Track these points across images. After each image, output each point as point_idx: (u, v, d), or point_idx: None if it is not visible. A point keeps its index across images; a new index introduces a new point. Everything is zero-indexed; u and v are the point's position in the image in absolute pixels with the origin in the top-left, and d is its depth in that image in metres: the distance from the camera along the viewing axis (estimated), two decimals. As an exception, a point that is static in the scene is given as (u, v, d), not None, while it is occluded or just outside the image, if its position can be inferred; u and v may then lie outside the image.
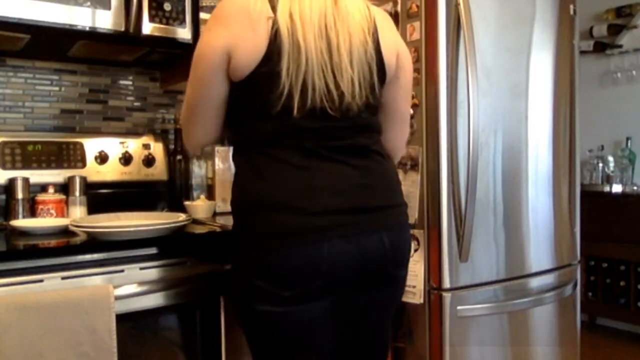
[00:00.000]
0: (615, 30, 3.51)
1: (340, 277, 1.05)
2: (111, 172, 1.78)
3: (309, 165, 1.05)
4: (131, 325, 1.25)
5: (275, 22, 1.01)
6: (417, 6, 1.65)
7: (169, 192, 1.89)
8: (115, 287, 1.16)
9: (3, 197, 1.60)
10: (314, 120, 1.05)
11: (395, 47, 1.17)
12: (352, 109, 1.07)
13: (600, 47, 3.57)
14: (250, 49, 1.02)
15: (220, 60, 1.05)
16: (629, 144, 3.45)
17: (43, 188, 1.63)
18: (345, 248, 1.04)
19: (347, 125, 1.08)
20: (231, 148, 1.54)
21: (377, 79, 1.11)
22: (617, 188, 3.28)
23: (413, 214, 1.62)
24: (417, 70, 1.60)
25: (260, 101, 1.05)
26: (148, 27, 1.58)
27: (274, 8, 1.03)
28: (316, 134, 1.06)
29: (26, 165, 1.64)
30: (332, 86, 1.03)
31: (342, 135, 1.08)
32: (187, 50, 1.71)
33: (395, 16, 1.77)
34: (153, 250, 1.29)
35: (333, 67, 1.03)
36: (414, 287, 1.62)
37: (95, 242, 1.28)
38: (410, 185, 1.64)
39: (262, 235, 1.05)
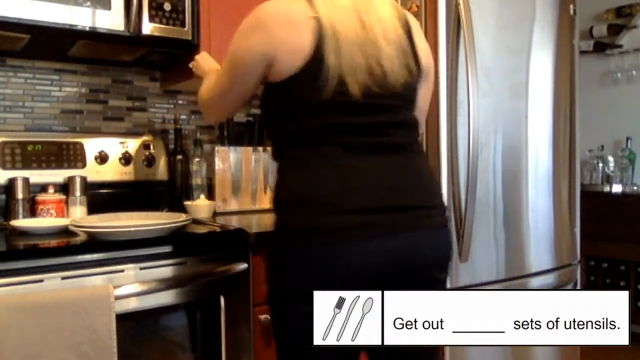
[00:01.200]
0: (615, 30, 3.51)
1: (379, 278, 1.04)
2: (111, 172, 1.78)
3: (350, 163, 1.05)
4: (131, 325, 1.25)
5: (318, 21, 1.03)
6: (417, 6, 1.65)
7: (169, 192, 1.89)
8: (115, 287, 1.16)
9: (3, 197, 1.60)
10: (356, 115, 1.06)
11: (427, 47, 1.22)
12: (395, 87, 1.08)
13: (600, 47, 3.57)
14: (294, 51, 1.03)
15: (260, 66, 1.08)
16: (629, 144, 3.45)
17: (43, 188, 1.63)
18: (385, 248, 1.03)
19: (388, 121, 1.09)
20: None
21: (413, 64, 1.12)
22: (617, 188, 3.28)
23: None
24: (417, 70, 1.60)
25: (305, 98, 1.05)
26: (148, 27, 1.58)
27: (312, 6, 1.04)
28: (357, 130, 1.06)
29: (26, 165, 1.64)
30: (377, 71, 1.05)
31: (382, 131, 1.08)
32: (187, 50, 1.71)
33: (395, 16, 1.78)
34: (153, 250, 1.29)
35: (375, 53, 1.06)
36: (414, 287, 1.62)
37: (95, 242, 1.28)
38: (410, 185, 1.64)
39: (303, 233, 1.04)
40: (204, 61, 1.46)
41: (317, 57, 1.02)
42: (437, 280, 1.14)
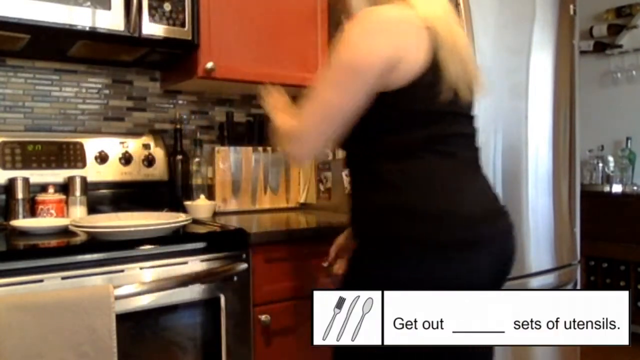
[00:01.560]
0: (615, 30, 3.51)
1: (490, 284, 1.05)
2: (111, 172, 1.78)
3: (457, 172, 1.07)
4: (131, 325, 1.25)
5: (431, 30, 1.04)
6: (417, 6, 1.65)
7: (169, 192, 1.89)
8: (115, 287, 1.16)
9: (3, 197, 1.60)
10: (460, 125, 1.09)
11: None
12: (474, 102, 1.13)
13: (600, 47, 3.57)
14: (415, 58, 1.02)
15: (382, 71, 1.02)
16: (629, 144, 3.45)
17: (43, 188, 1.63)
18: (492, 253, 1.05)
19: (471, 132, 1.13)
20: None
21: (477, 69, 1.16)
22: (617, 188, 3.28)
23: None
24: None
25: (421, 107, 1.05)
26: (148, 27, 1.58)
27: (420, 15, 1.05)
28: (462, 139, 1.10)
29: (26, 165, 1.64)
30: (468, 79, 1.08)
31: (469, 143, 1.13)
32: (187, 50, 1.71)
33: (395, 16, 1.78)
34: (153, 250, 1.29)
35: (465, 60, 1.08)
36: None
37: (95, 242, 1.28)
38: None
39: (425, 244, 1.00)
40: (270, 96, 1.31)
41: (434, 66, 1.03)
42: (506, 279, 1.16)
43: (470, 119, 1.14)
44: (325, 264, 1.40)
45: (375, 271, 1.05)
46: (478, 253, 1.02)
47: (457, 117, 1.09)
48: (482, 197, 1.10)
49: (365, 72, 1.02)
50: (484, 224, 1.05)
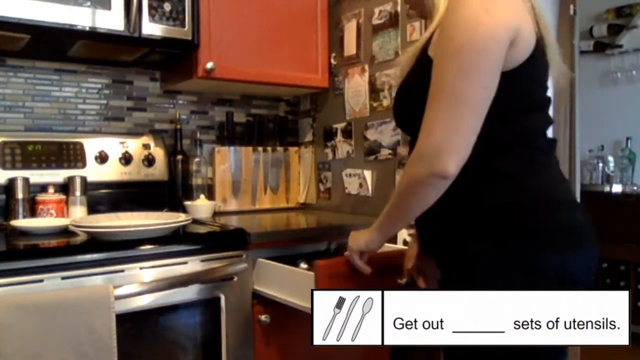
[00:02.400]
0: (615, 30, 3.51)
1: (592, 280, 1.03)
2: (111, 172, 1.78)
3: (556, 161, 1.07)
4: (131, 325, 1.25)
5: (534, 11, 0.99)
6: (418, 6, 1.64)
7: (169, 192, 1.89)
8: (115, 287, 1.16)
9: (3, 197, 1.60)
10: (547, 111, 1.05)
11: None
12: None
13: (600, 47, 3.57)
14: (529, 34, 0.95)
15: (507, 44, 0.90)
16: (629, 144, 3.45)
17: (43, 188, 1.63)
18: (596, 246, 1.02)
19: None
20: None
21: None
22: (617, 188, 3.28)
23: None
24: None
25: (530, 92, 0.99)
26: (148, 27, 1.58)
27: None
28: (547, 127, 1.06)
29: (26, 165, 1.64)
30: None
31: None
32: (187, 50, 1.71)
33: (395, 16, 1.78)
34: (153, 250, 1.29)
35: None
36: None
37: (95, 242, 1.28)
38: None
39: (556, 236, 0.96)
40: (355, 237, 1.19)
41: (541, 51, 0.98)
42: None
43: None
44: (402, 281, 1.24)
45: (522, 273, 0.95)
46: (590, 243, 1.00)
47: (548, 106, 1.04)
48: (571, 190, 1.09)
49: (494, 49, 0.89)
50: (586, 217, 1.02)
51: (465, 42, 0.89)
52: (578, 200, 1.13)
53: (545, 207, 0.97)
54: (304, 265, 1.41)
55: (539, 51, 0.97)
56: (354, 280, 1.18)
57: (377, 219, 1.12)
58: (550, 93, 1.97)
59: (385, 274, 1.23)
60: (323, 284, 1.19)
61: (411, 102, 1.02)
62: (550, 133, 1.07)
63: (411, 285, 1.22)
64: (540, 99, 1.01)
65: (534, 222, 0.96)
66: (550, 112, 1.06)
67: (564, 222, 0.98)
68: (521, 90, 0.96)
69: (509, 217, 0.96)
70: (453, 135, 0.91)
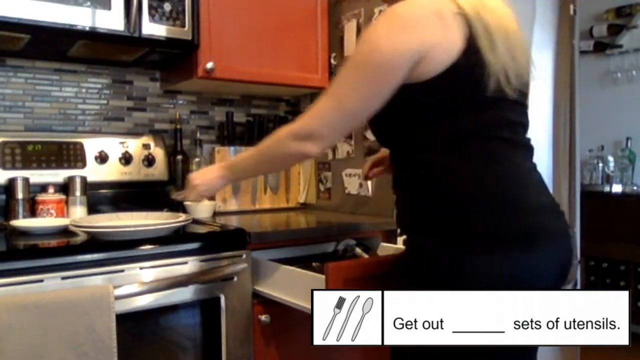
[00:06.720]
0: (615, 30, 3.52)
1: (551, 282, 1.02)
2: (111, 172, 1.79)
3: (515, 160, 1.03)
4: (131, 325, 1.25)
5: (465, 17, 1.00)
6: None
7: (169, 192, 1.89)
8: (115, 287, 1.16)
9: (3, 197, 1.60)
10: (509, 113, 1.04)
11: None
12: (527, 91, 1.08)
13: (600, 47, 3.57)
14: (446, 48, 0.99)
15: (407, 67, 0.99)
16: (629, 144, 3.45)
17: (43, 188, 1.63)
18: (557, 250, 1.01)
19: (523, 121, 1.09)
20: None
21: (530, 60, 1.12)
22: (617, 188, 3.28)
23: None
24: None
25: (462, 95, 1.01)
26: (148, 27, 1.58)
27: (454, 2, 1.02)
28: (511, 128, 1.05)
29: (26, 165, 1.64)
30: (517, 65, 1.04)
31: (520, 132, 1.08)
32: (187, 50, 1.71)
33: (395, 16, 1.77)
34: (153, 250, 1.29)
35: (513, 45, 1.04)
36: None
37: (95, 242, 1.28)
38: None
39: (486, 236, 0.97)
40: (201, 173, 1.36)
41: (471, 53, 0.99)
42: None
43: (523, 108, 1.10)
44: (362, 180, 1.41)
45: (445, 268, 0.99)
46: (541, 249, 0.98)
47: (511, 105, 1.04)
48: (541, 190, 1.06)
49: (386, 72, 1.00)
50: (544, 218, 1.01)
51: (361, 61, 1.03)
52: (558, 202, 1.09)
53: (476, 206, 0.99)
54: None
55: (467, 57, 0.99)
56: (363, 282, 1.19)
57: (229, 161, 1.33)
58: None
59: (390, 277, 1.23)
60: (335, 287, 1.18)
61: (383, 121, 1.11)
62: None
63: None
64: (478, 100, 1.01)
65: (460, 221, 0.99)
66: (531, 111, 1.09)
67: (498, 223, 0.97)
68: (450, 95, 1.01)
69: (445, 214, 1.01)
70: (325, 128, 1.08)
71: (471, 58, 0.99)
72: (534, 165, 1.10)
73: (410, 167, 1.08)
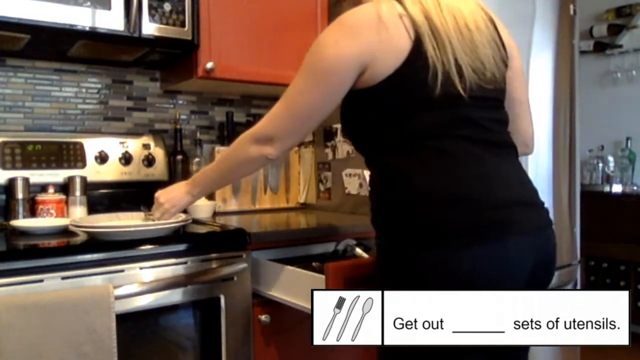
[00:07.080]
0: (615, 30, 3.52)
1: (523, 277, 1.00)
2: (111, 172, 1.79)
3: (477, 156, 1.02)
4: (131, 325, 1.25)
5: (410, 18, 1.01)
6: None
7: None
8: (115, 287, 1.16)
9: (3, 197, 1.60)
10: (464, 111, 1.03)
11: (508, 33, 1.18)
12: (494, 82, 1.06)
13: (600, 47, 3.57)
14: (390, 52, 1.01)
15: (354, 73, 1.03)
16: (629, 144, 3.45)
17: (43, 188, 1.63)
18: (527, 244, 1.00)
19: (491, 117, 1.07)
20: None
21: (504, 54, 1.11)
22: (617, 188, 3.28)
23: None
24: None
25: (412, 96, 1.02)
26: (148, 27, 1.58)
27: (401, 4, 1.03)
28: (470, 125, 1.03)
29: (26, 165, 1.64)
30: (477, 63, 1.03)
31: (489, 127, 1.06)
32: (187, 50, 1.71)
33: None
34: (153, 250, 1.29)
35: (472, 44, 1.04)
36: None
37: (95, 242, 1.28)
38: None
39: (441, 233, 0.97)
40: (167, 191, 1.39)
41: (417, 55, 1.00)
42: (551, 279, 1.12)
43: (496, 102, 1.09)
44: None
45: (405, 268, 1.01)
46: (504, 245, 0.97)
47: (474, 102, 1.03)
48: (512, 186, 1.04)
49: (331, 77, 1.05)
50: (509, 212, 0.99)
51: (310, 66, 1.09)
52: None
53: (429, 205, 0.99)
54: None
55: (413, 59, 1.00)
56: (363, 282, 1.19)
57: (194, 176, 1.37)
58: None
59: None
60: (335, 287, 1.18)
61: (346, 126, 1.16)
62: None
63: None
64: (428, 101, 1.01)
65: (414, 220, 1.00)
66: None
67: (454, 221, 0.97)
68: (398, 97, 1.02)
69: (396, 213, 1.04)
70: (280, 131, 1.15)
71: (417, 60, 1.00)
72: (513, 161, 1.10)
73: (373, 171, 1.12)
